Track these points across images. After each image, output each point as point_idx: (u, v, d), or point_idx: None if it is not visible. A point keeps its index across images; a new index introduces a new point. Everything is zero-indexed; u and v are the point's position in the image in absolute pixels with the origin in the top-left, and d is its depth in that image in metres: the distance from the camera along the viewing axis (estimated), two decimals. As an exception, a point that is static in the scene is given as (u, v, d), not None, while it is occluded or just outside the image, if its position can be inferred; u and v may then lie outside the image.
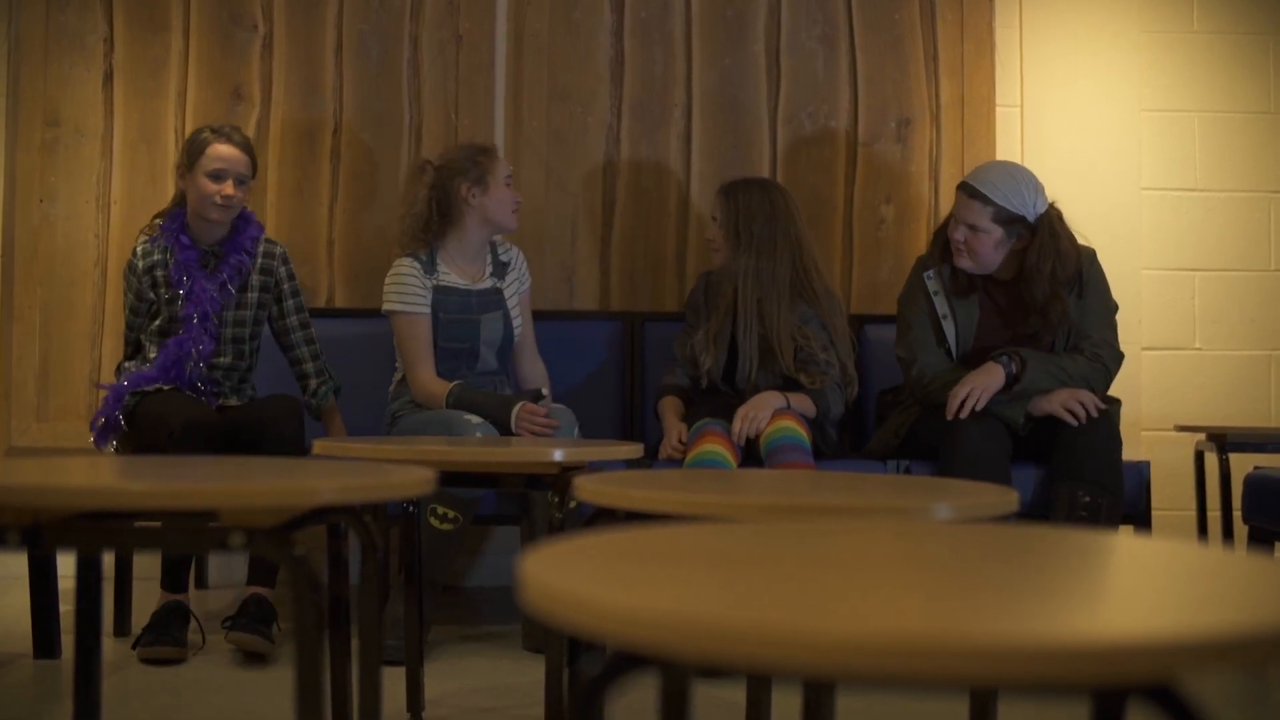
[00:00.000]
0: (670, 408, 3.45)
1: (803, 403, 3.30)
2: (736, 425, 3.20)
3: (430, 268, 3.36)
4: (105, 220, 3.93)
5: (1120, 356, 3.32)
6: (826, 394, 3.34)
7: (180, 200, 3.28)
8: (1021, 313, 3.33)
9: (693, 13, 4.10)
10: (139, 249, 3.26)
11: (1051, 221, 3.27)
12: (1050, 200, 3.31)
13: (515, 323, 3.46)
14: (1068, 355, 3.26)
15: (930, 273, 3.42)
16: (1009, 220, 3.24)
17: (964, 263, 3.32)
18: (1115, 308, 3.38)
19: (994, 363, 3.19)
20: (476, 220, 3.37)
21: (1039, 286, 3.26)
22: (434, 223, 3.37)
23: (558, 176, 4.04)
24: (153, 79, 3.98)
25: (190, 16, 3.99)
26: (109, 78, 3.97)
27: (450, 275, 3.37)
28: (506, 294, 3.44)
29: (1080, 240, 3.34)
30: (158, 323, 3.21)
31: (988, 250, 3.28)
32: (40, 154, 3.94)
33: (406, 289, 3.32)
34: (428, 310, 3.32)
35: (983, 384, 3.16)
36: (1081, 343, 3.29)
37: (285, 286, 3.34)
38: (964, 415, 3.14)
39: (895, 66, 4.11)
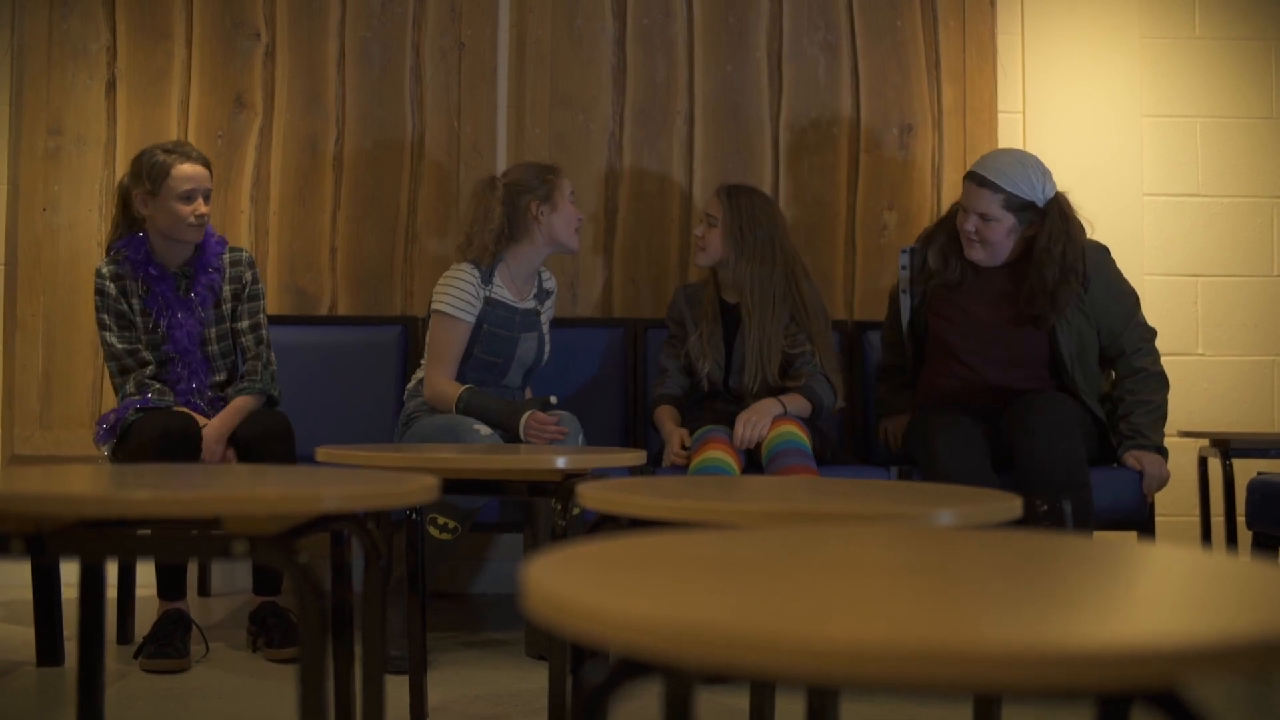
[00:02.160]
0: (667, 415, 3.47)
1: (797, 403, 3.33)
2: (739, 430, 3.21)
3: (487, 278, 3.38)
4: (108, 229, 3.92)
5: (1156, 346, 3.40)
6: (813, 386, 3.36)
7: (132, 225, 3.23)
8: (1022, 295, 3.31)
9: (694, 19, 4.10)
10: (105, 271, 3.18)
11: (1061, 205, 3.30)
12: (1059, 190, 3.32)
13: (546, 347, 3.50)
14: (1142, 388, 3.32)
15: (907, 250, 3.50)
16: (1020, 207, 3.26)
17: (976, 254, 3.33)
18: (1138, 299, 3.42)
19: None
20: (544, 238, 3.42)
21: (1050, 270, 3.24)
22: (505, 237, 3.41)
23: (560, 183, 4.04)
24: (155, 87, 3.99)
25: (193, 25, 4.00)
26: (111, 86, 3.98)
27: (503, 290, 3.41)
28: (543, 319, 3.50)
29: (1089, 232, 3.35)
30: (150, 370, 3.17)
31: (1000, 238, 3.29)
32: (43, 162, 3.95)
33: (460, 293, 3.34)
34: (472, 320, 3.34)
35: (1159, 476, 3.30)
36: (1129, 351, 3.33)
37: (247, 290, 3.31)
38: None
39: (897, 72, 4.11)
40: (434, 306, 3.37)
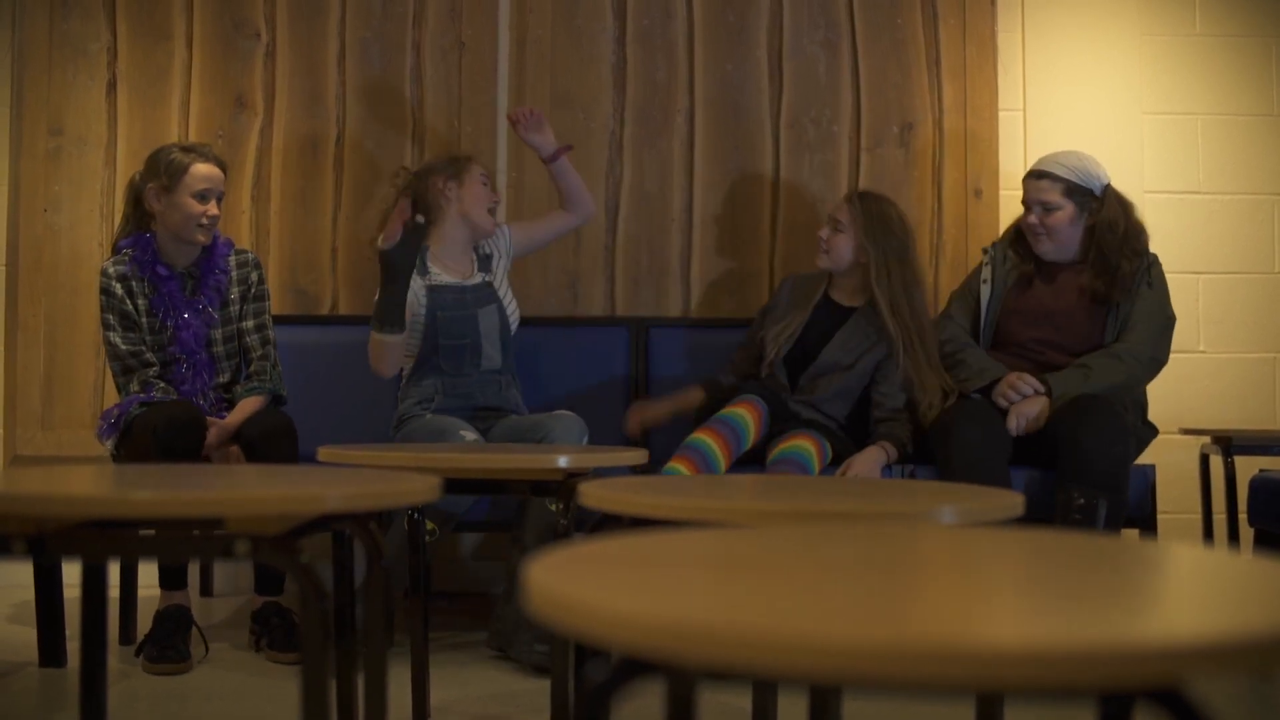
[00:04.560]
0: (685, 394, 3.49)
1: (888, 451, 3.33)
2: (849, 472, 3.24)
3: (422, 270, 3.38)
4: (109, 229, 3.93)
5: (1156, 360, 3.33)
6: (900, 435, 3.35)
7: (141, 222, 3.23)
8: (1086, 280, 3.35)
9: (694, 18, 4.10)
10: (111, 270, 3.18)
11: (1118, 194, 3.40)
12: (1117, 189, 3.41)
13: (510, 311, 3.48)
14: (1096, 356, 3.28)
15: (989, 246, 3.55)
16: (1078, 193, 3.36)
17: (1044, 247, 3.41)
18: (1172, 317, 3.39)
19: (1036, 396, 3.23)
20: (455, 216, 3.45)
21: (1113, 251, 3.33)
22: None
23: (561, 182, 4.04)
24: (156, 88, 3.99)
25: (193, 25, 4.00)
26: (112, 86, 3.98)
27: (442, 275, 3.41)
28: (496, 284, 3.50)
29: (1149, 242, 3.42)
30: (153, 370, 3.18)
31: (1064, 226, 3.38)
32: (44, 163, 3.95)
33: None
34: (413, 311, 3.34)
35: (1027, 412, 3.20)
36: (1118, 340, 3.31)
37: (253, 291, 3.31)
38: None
39: (897, 70, 4.11)
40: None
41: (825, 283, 3.54)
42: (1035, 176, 3.40)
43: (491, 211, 3.48)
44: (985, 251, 3.55)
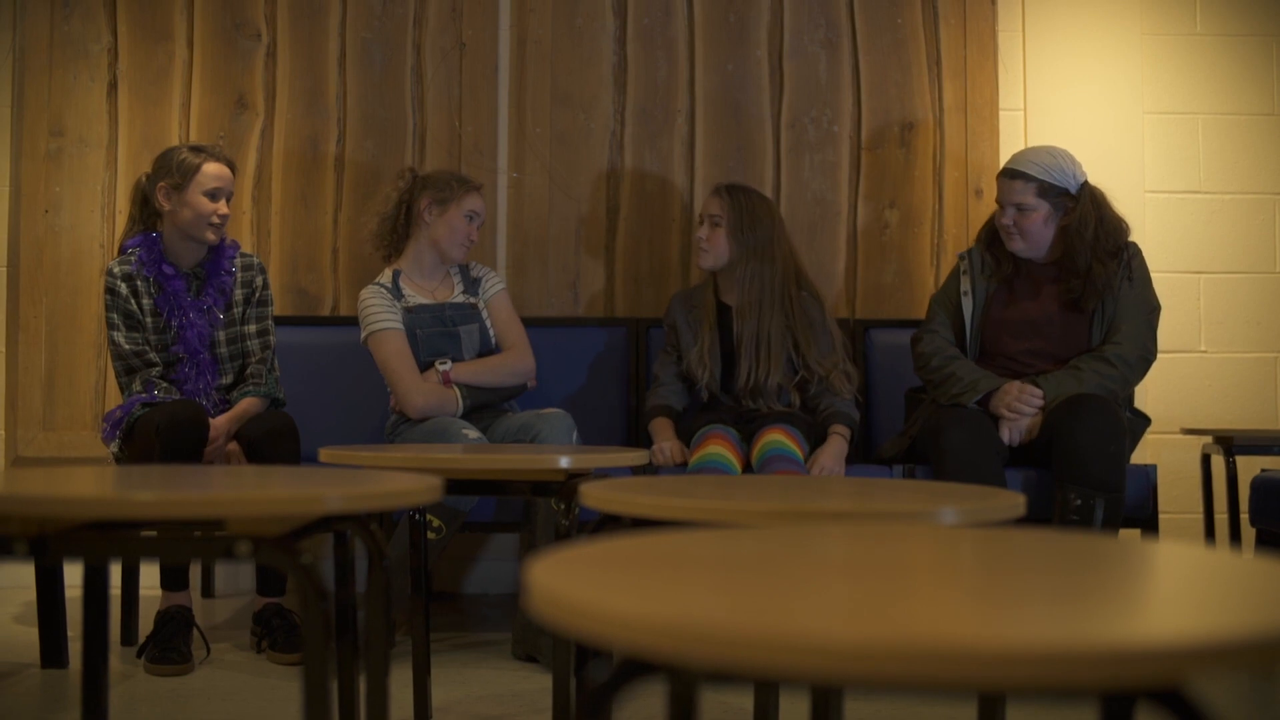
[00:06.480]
0: (662, 428, 3.44)
1: (845, 435, 3.36)
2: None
3: (396, 293, 3.39)
4: (110, 230, 3.93)
5: (1147, 359, 3.32)
6: (844, 411, 3.39)
7: (148, 223, 3.24)
8: (1061, 284, 3.34)
9: (695, 18, 4.10)
10: (117, 271, 3.18)
11: (1093, 192, 3.35)
12: (1094, 186, 3.36)
13: (493, 335, 3.47)
14: (1088, 359, 3.26)
15: (964, 253, 3.51)
16: (1053, 193, 3.31)
17: (1017, 245, 3.37)
18: (1156, 307, 3.37)
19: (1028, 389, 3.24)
20: (425, 240, 3.43)
21: (1081, 254, 3.29)
22: (400, 228, 3.46)
23: (561, 182, 4.05)
24: (156, 88, 3.99)
25: (194, 25, 4.00)
26: (113, 87, 3.98)
27: (416, 296, 3.41)
28: (480, 306, 3.48)
29: (1131, 233, 3.38)
30: (156, 370, 3.19)
31: (1038, 227, 3.33)
32: (45, 163, 3.95)
33: (377, 308, 3.35)
34: (401, 325, 3.33)
35: (1019, 425, 3.22)
36: (1108, 342, 3.29)
37: (257, 296, 3.31)
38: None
39: (898, 70, 4.11)
40: (365, 334, 3.36)
41: (713, 289, 3.52)
42: (1008, 176, 3.34)
43: (463, 245, 3.43)
44: (961, 258, 3.49)
